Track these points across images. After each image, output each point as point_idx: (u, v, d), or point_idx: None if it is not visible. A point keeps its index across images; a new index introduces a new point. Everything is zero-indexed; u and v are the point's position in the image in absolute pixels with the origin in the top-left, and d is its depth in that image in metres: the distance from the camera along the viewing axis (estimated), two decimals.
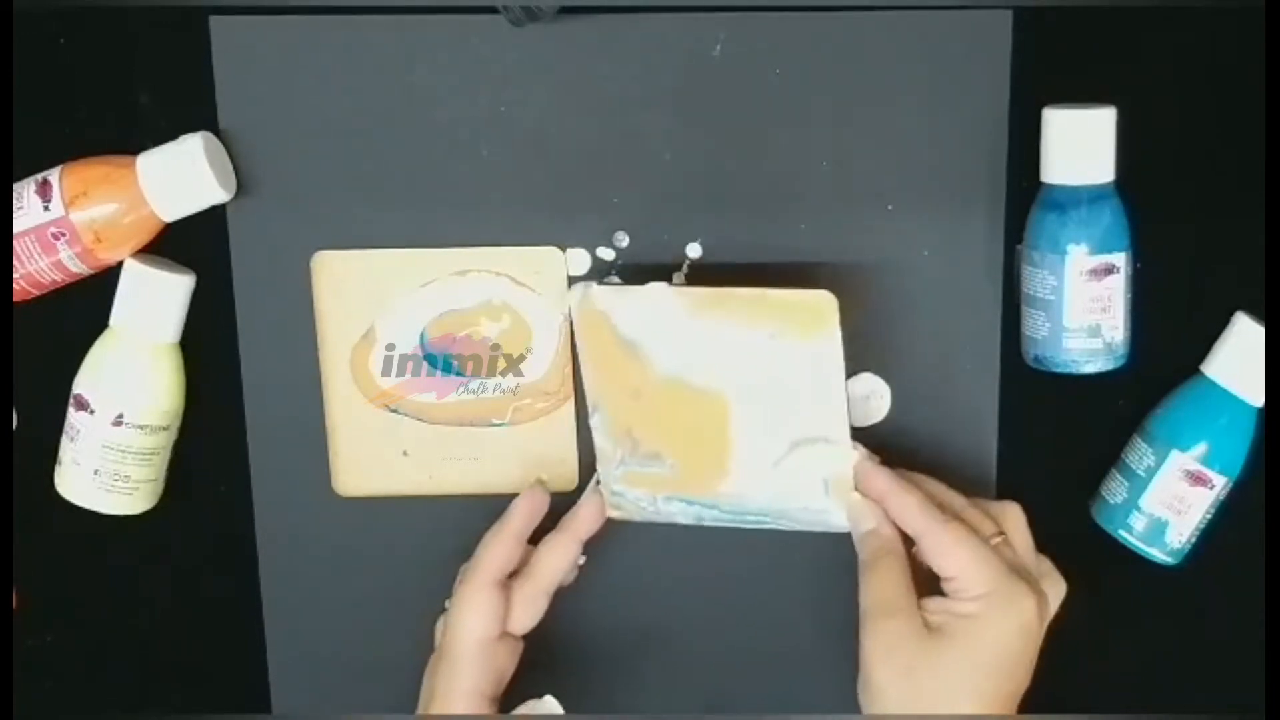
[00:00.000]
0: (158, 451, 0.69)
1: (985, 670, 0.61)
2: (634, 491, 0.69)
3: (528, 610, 0.68)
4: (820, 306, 0.62)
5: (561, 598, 0.69)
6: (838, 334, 0.62)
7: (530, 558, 0.68)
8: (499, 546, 0.67)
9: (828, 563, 0.70)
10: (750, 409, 0.65)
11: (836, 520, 0.66)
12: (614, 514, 0.69)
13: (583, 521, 0.69)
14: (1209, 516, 0.67)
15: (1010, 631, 0.61)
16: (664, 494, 0.68)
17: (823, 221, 0.68)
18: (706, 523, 0.69)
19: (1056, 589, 0.65)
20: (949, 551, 0.61)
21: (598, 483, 0.69)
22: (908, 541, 0.64)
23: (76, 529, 0.71)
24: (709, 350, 0.64)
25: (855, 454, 0.65)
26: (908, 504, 0.63)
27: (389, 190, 0.68)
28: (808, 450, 0.65)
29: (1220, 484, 0.66)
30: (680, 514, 0.69)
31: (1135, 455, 0.67)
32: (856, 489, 0.65)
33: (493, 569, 0.67)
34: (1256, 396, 0.65)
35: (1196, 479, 0.66)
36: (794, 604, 0.73)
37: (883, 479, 0.65)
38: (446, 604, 0.69)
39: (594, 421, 0.68)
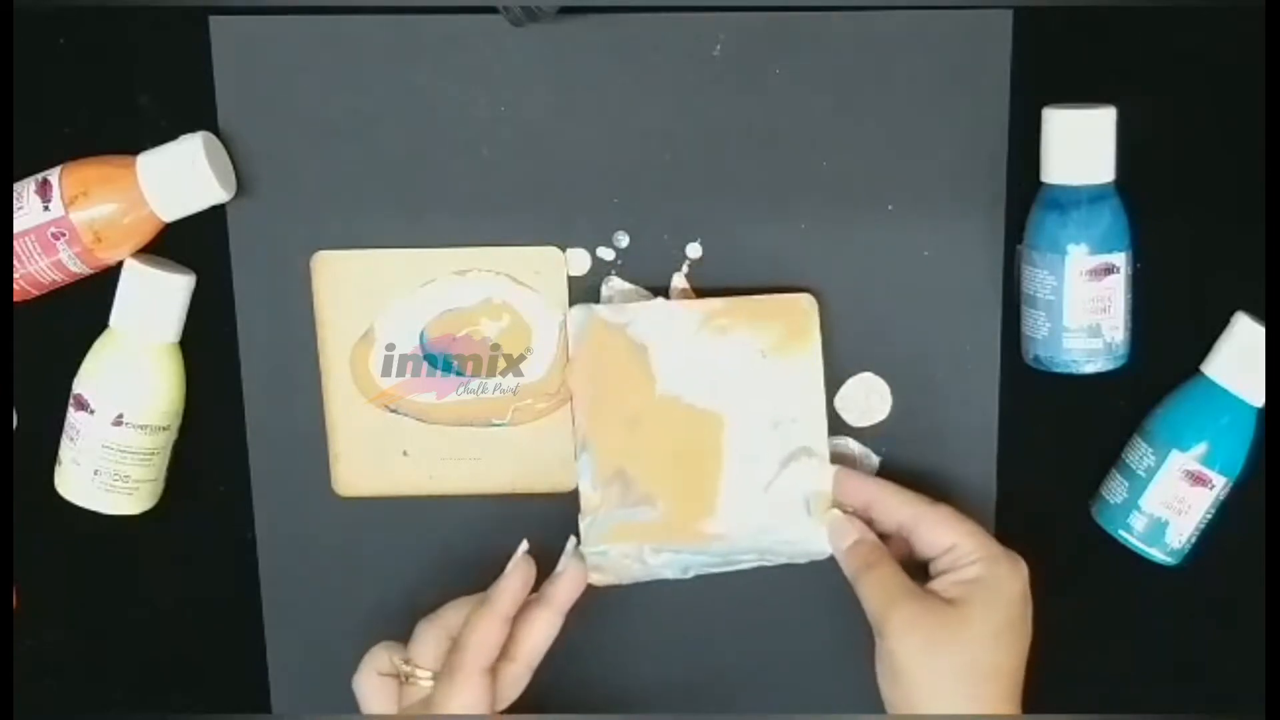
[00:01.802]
0: (158, 451, 0.69)
1: (1001, 633, 0.63)
2: (619, 547, 0.68)
3: (512, 689, 0.66)
4: (801, 308, 0.66)
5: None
6: (817, 336, 0.66)
7: (513, 634, 0.66)
8: (488, 631, 0.64)
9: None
10: (745, 427, 0.67)
11: (818, 545, 0.67)
12: (595, 577, 0.68)
13: (563, 591, 0.67)
14: (1209, 516, 0.67)
15: (1016, 591, 0.64)
16: (651, 544, 0.68)
17: (823, 221, 0.68)
18: (693, 572, 0.69)
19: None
20: (944, 526, 0.64)
21: (576, 546, 0.68)
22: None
23: (76, 529, 0.71)
24: (710, 365, 0.67)
25: (833, 469, 0.67)
26: (894, 499, 0.66)
27: (389, 190, 0.68)
28: (794, 467, 0.67)
29: (1220, 484, 0.66)
30: (667, 566, 0.68)
31: (1135, 455, 0.67)
32: (836, 503, 0.67)
33: (483, 656, 0.64)
34: (1257, 397, 0.65)
35: (1197, 479, 0.66)
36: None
37: (863, 481, 0.67)
38: (402, 663, 0.66)
39: (581, 465, 0.68)
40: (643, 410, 0.67)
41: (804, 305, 0.67)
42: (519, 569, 0.66)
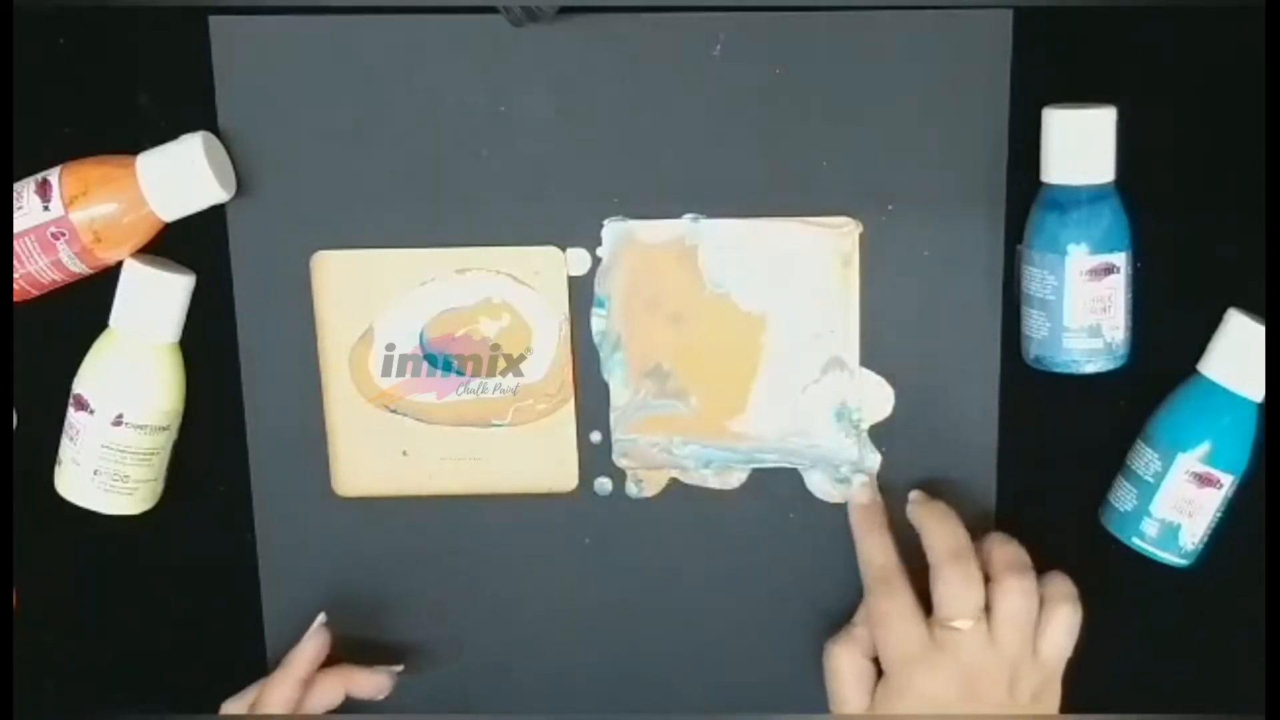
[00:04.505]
0: (157, 451, 0.69)
1: None
2: (647, 437, 0.70)
3: None
4: (843, 232, 0.67)
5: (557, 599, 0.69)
6: (855, 259, 0.67)
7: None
8: (283, 691, 0.69)
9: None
10: (786, 332, 0.68)
11: (842, 453, 0.70)
12: (624, 463, 0.70)
13: (300, 661, 0.70)
14: (1219, 515, 0.66)
15: (919, 698, 0.64)
16: (679, 436, 0.70)
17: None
18: (714, 467, 0.70)
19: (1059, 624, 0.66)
20: (872, 622, 0.66)
21: (323, 623, 0.71)
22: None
23: (76, 529, 0.71)
24: (761, 269, 0.68)
25: (864, 484, 0.70)
26: (860, 559, 0.68)
27: (389, 190, 0.68)
28: (828, 377, 0.69)
29: (1228, 483, 0.66)
30: (691, 458, 0.70)
31: (1141, 461, 0.67)
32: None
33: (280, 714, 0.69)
34: (1255, 392, 0.65)
35: (1204, 480, 0.65)
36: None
37: (855, 520, 0.69)
38: None
39: (612, 365, 0.69)
40: (687, 308, 0.69)
41: (849, 229, 0.67)
42: (314, 637, 0.70)
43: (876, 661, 0.66)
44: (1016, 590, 0.64)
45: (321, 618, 0.71)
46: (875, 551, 0.67)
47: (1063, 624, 0.65)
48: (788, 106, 0.66)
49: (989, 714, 0.64)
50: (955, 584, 0.64)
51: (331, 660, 0.71)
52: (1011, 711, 0.64)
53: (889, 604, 0.65)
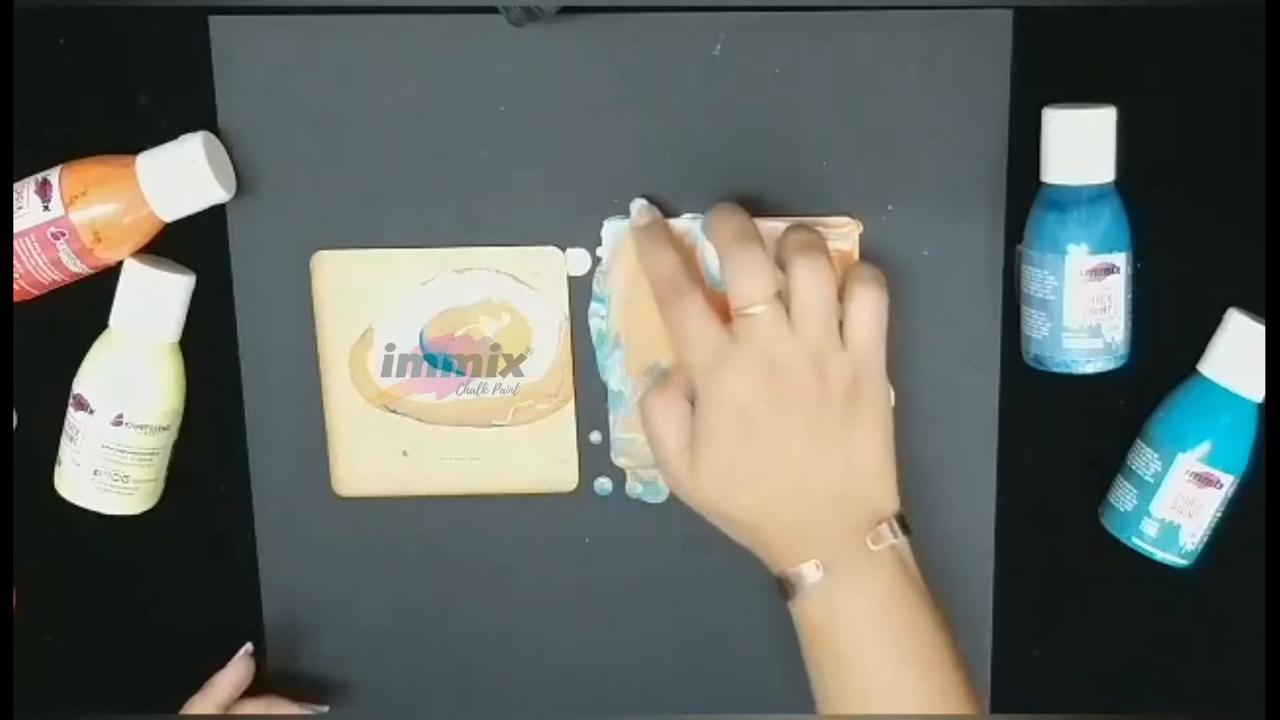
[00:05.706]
0: (157, 451, 0.69)
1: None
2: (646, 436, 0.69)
3: None
4: (843, 232, 0.67)
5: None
6: (855, 259, 0.67)
7: None
8: (202, 715, 0.69)
9: None
10: None
11: None
12: (621, 461, 0.70)
13: (224, 688, 0.70)
14: (1219, 515, 0.66)
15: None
16: None
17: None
18: None
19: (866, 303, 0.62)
20: (670, 335, 0.63)
21: (250, 653, 0.71)
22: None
23: (76, 529, 0.71)
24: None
25: (643, 208, 0.67)
26: (649, 279, 0.64)
27: (389, 190, 0.68)
28: None
29: (1228, 483, 0.66)
30: None
31: (1141, 461, 0.67)
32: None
33: None
34: (1255, 392, 0.65)
35: (1204, 480, 0.65)
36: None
37: (636, 242, 0.66)
38: None
39: (610, 363, 0.69)
40: None
41: (849, 229, 0.67)
42: (237, 664, 0.71)
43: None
44: (807, 269, 0.61)
45: (248, 647, 0.72)
46: (660, 264, 0.63)
47: (865, 304, 0.62)
48: (788, 106, 0.66)
49: (800, 410, 0.61)
50: (743, 267, 0.61)
51: (328, 659, 0.71)
52: (825, 403, 0.61)
53: (680, 307, 0.61)
